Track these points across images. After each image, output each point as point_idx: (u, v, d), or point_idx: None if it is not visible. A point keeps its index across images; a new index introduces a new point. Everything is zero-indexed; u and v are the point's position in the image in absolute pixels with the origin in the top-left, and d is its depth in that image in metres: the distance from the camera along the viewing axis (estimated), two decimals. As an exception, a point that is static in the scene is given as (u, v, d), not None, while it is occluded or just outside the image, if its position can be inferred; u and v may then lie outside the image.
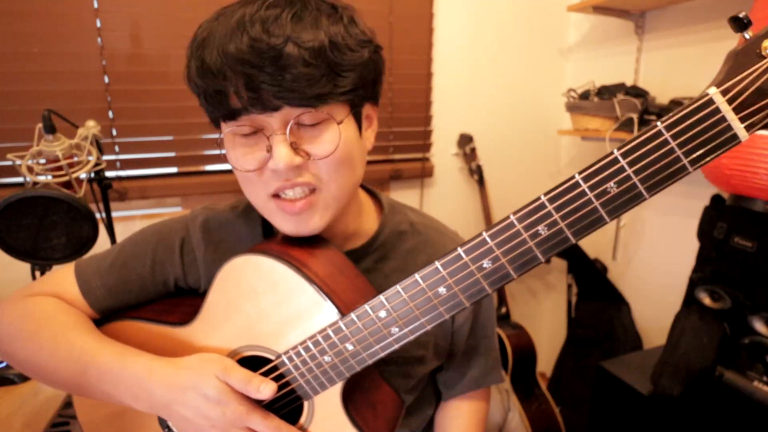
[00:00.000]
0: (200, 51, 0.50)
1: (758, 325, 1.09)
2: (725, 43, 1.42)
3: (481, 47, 1.88)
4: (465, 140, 1.87)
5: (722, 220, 1.16)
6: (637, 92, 1.57)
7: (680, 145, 0.37)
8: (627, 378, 1.29)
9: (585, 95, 1.70)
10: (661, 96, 1.59)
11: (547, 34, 1.99)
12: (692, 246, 1.25)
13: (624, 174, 0.38)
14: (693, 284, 1.23)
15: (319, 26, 0.49)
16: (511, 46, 1.93)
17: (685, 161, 0.37)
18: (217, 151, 1.60)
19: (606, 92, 1.63)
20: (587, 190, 0.40)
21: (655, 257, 1.74)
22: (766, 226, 1.07)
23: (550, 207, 0.41)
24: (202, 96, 0.52)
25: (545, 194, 0.41)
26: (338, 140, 0.52)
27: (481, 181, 1.85)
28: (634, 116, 1.50)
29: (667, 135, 0.37)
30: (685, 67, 1.56)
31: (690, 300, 1.24)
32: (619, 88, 1.61)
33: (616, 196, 0.39)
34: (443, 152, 1.91)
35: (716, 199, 1.21)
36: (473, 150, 1.84)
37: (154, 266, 0.65)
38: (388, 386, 0.62)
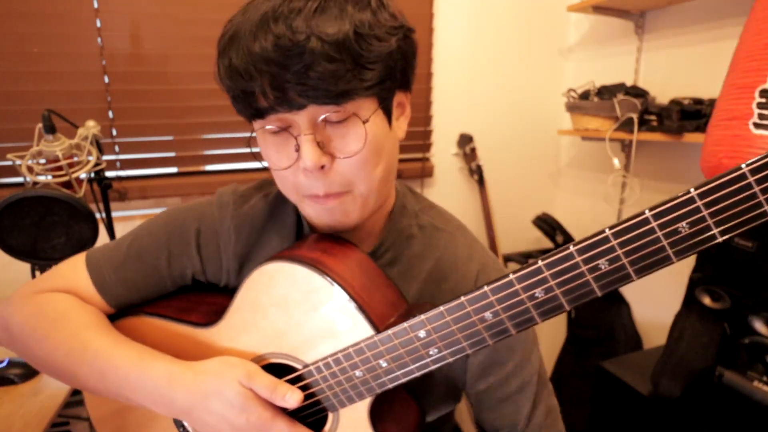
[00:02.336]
0: (228, 50, 0.50)
1: (758, 325, 1.09)
2: (725, 43, 1.42)
3: (481, 47, 1.88)
4: (465, 140, 1.87)
5: (722, 220, 1.16)
6: (637, 92, 1.57)
7: (765, 191, 0.35)
8: (627, 378, 1.29)
9: (585, 95, 1.70)
10: (661, 96, 1.59)
11: (547, 34, 1.99)
12: (692, 246, 1.25)
13: (699, 215, 0.37)
14: (693, 284, 1.23)
15: (344, 15, 0.47)
16: (511, 46, 1.93)
17: (767, 207, 0.36)
18: (217, 151, 1.60)
19: (606, 92, 1.63)
20: (657, 228, 0.38)
21: (655, 257, 1.74)
22: (767, 226, 1.07)
23: (614, 242, 0.40)
24: (231, 95, 0.52)
25: (610, 228, 0.40)
26: (364, 139, 0.51)
27: (481, 181, 1.85)
28: (634, 116, 1.50)
29: (751, 179, 0.35)
30: (685, 67, 1.56)
31: (690, 300, 1.24)
32: (619, 88, 1.61)
33: (687, 237, 0.38)
34: (443, 152, 1.92)
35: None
36: (473, 150, 1.84)
37: (170, 258, 0.63)
38: (411, 399, 0.60)
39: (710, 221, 0.37)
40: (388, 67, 0.51)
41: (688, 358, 1.16)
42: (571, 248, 0.41)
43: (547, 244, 2.00)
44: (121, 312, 0.64)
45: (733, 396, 1.06)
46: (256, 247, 0.64)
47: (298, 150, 0.51)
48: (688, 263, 1.27)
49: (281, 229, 0.64)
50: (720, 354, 1.12)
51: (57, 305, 0.60)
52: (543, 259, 0.42)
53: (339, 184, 0.53)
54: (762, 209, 0.36)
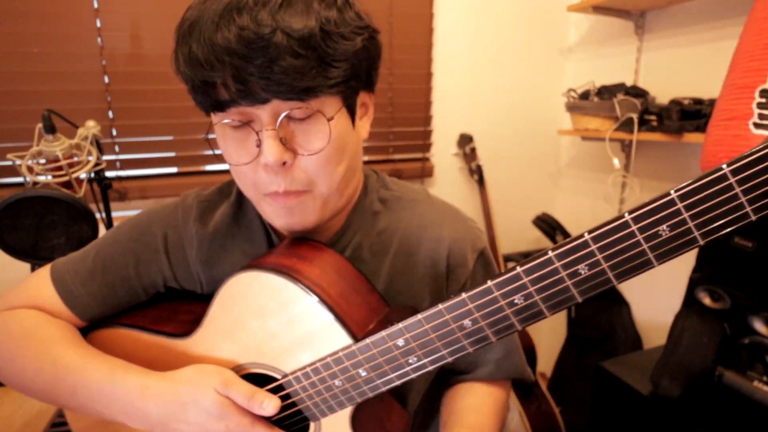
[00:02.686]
0: (187, 38, 0.48)
1: (758, 325, 1.09)
2: (725, 43, 1.42)
3: (481, 47, 1.88)
4: (465, 140, 1.87)
5: (722, 220, 1.16)
6: (637, 92, 1.57)
7: (746, 192, 0.34)
8: (627, 378, 1.29)
9: (585, 95, 1.70)
10: (661, 96, 1.59)
11: (547, 34, 1.99)
12: (692, 246, 1.25)
13: (679, 218, 0.36)
14: (693, 284, 1.23)
15: (310, 12, 0.46)
16: (511, 46, 1.93)
17: (748, 209, 0.34)
18: (217, 151, 1.59)
19: (606, 92, 1.63)
20: (637, 232, 0.37)
21: (655, 257, 1.74)
22: (766, 226, 1.07)
23: (593, 246, 0.38)
24: (190, 85, 0.50)
25: (589, 232, 0.38)
26: (328, 137, 0.50)
27: (481, 181, 1.85)
28: (634, 116, 1.50)
29: (732, 180, 0.34)
30: (685, 67, 1.56)
31: (690, 300, 1.24)
32: (619, 88, 1.61)
33: (668, 240, 0.36)
34: (443, 152, 1.91)
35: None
36: (473, 150, 1.84)
37: (138, 266, 0.62)
38: (395, 401, 0.60)
39: (691, 224, 0.36)
40: (354, 66, 0.50)
41: (688, 358, 1.16)
42: (550, 254, 0.40)
43: (548, 244, 2.00)
44: (94, 324, 0.63)
45: (733, 396, 1.06)
46: (221, 251, 0.63)
47: (259, 145, 0.50)
48: (689, 263, 1.27)
49: (247, 231, 0.63)
50: (720, 354, 1.12)
51: (22, 322, 0.58)
52: (521, 265, 0.41)
53: (300, 182, 0.51)
54: (744, 210, 0.34)
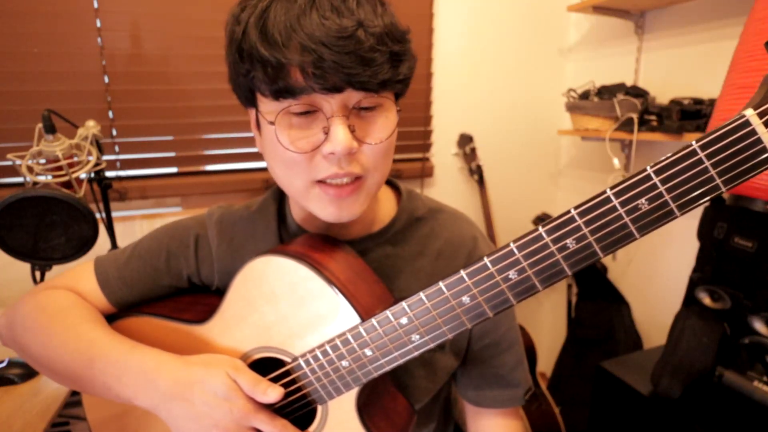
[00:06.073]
0: (262, 20, 0.48)
1: (758, 325, 1.09)
2: (725, 43, 1.42)
3: (481, 47, 1.89)
4: (465, 140, 1.87)
5: (722, 220, 1.16)
6: (637, 92, 1.57)
7: (715, 165, 0.37)
8: (627, 378, 1.29)
9: (585, 95, 1.70)
10: (661, 96, 1.59)
11: (547, 34, 1.99)
12: (692, 246, 1.25)
13: (656, 191, 0.39)
14: (693, 284, 1.23)
15: (377, 13, 0.50)
16: (511, 46, 1.93)
17: (718, 181, 0.37)
18: (217, 151, 1.60)
19: (606, 92, 1.63)
20: (618, 206, 0.40)
21: (655, 257, 1.74)
22: (766, 226, 1.07)
23: (579, 221, 0.41)
24: (260, 67, 0.49)
25: (575, 208, 0.41)
26: (393, 127, 0.53)
27: (481, 181, 1.85)
28: (634, 116, 1.50)
29: (702, 154, 0.37)
30: (685, 67, 1.56)
31: (690, 300, 1.24)
32: (619, 88, 1.61)
33: (647, 213, 0.39)
34: (443, 152, 1.92)
35: (716, 199, 1.21)
36: (473, 150, 1.84)
37: (169, 259, 0.67)
38: (401, 395, 0.62)
39: (667, 197, 0.39)
40: (410, 67, 0.54)
41: (688, 358, 1.16)
42: (540, 229, 0.43)
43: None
44: (120, 313, 0.67)
45: (733, 396, 1.06)
46: (239, 250, 0.67)
47: (326, 133, 0.50)
48: (689, 263, 1.27)
49: (262, 231, 0.67)
50: (720, 354, 1.12)
51: (58, 301, 0.64)
52: (515, 242, 0.44)
53: (359, 167, 0.53)
54: (714, 182, 0.37)
